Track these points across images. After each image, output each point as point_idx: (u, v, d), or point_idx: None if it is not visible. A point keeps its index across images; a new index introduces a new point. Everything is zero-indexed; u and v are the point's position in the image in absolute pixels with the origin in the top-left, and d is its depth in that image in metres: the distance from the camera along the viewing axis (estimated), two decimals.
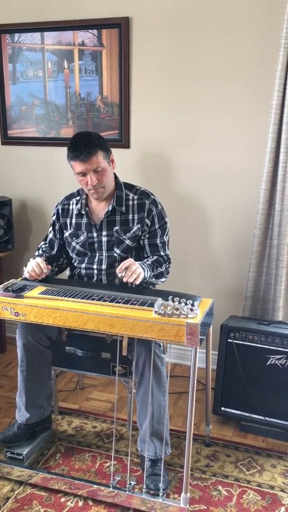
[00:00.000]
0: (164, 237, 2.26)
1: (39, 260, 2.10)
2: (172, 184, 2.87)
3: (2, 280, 3.11)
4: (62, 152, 3.03)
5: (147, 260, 2.18)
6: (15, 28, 2.94)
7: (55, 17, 2.85)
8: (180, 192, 2.87)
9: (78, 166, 2.09)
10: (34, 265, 2.08)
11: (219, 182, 2.78)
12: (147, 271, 2.07)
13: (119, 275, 1.97)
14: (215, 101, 2.67)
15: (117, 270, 1.99)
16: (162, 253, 2.23)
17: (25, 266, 2.19)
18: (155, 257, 2.21)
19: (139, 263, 2.06)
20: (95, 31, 2.79)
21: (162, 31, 2.68)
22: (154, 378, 2.02)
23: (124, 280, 1.96)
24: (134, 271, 1.98)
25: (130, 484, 1.98)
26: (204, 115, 2.71)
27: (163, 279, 2.22)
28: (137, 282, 1.98)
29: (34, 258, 2.14)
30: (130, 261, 2.02)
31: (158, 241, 2.24)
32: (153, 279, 2.15)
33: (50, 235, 2.35)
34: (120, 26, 2.72)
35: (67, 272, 2.48)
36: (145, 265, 2.09)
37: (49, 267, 2.12)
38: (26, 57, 2.98)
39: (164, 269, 2.19)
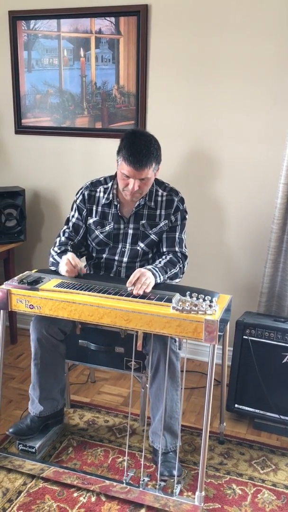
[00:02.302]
0: (182, 234, 2.23)
1: (70, 256, 2.04)
2: (188, 177, 2.82)
3: (14, 270, 3.08)
4: (77, 142, 3.01)
5: (159, 262, 2.12)
6: (31, 15, 2.89)
7: (72, 3, 2.79)
8: (196, 186, 2.82)
9: (127, 170, 2.02)
10: (65, 262, 2.02)
11: (236, 176, 2.73)
12: (159, 276, 2.02)
13: (129, 288, 1.93)
14: (234, 93, 2.61)
15: (128, 284, 1.94)
16: (177, 249, 2.19)
17: (53, 259, 2.15)
18: (169, 257, 2.16)
19: (151, 268, 2.02)
20: (112, 19, 2.73)
21: (182, 20, 2.61)
22: (169, 373, 1.99)
23: (134, 292, 1.90)
24: (143, 282, 1.92)
25: (143, 480, 1.96)
26: (222, 108, 2.65)
27: (177, 280, 2.16)
28: (148, 290, 1.92)
29: (64, 254, 2.09)
30: (140, 272, 1.96)
31: (176, 236, 2.20)
32: (168, 281, 2.10)
33: (74, 220, 2.25)
34: (139, 14, 2.65)
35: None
36: (157, 268, 2.04)
37: (84, 270, 2.06)
38: (42, 45, 2.92)
39: (178, 269, 2.14)
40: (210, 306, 1.77)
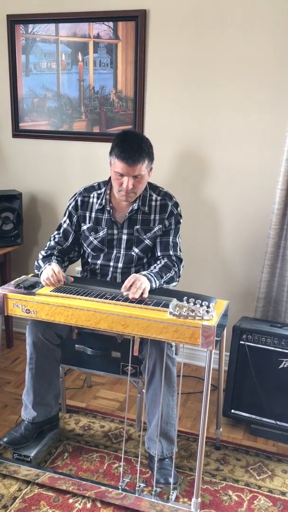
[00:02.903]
0: (177, 238, 2.22)
1: (56, 268, 2.01)
2: (185, 181, 2.82)
3: (10, 274, 3.07)
4: (74, 146, 3.01)
5: (154, 268, 2.12)
6: (30, 19, 2.89)
7: (70, 8, 2.80)
8: (193, 190, 2.82)
9: (120, 167, 2.03)
10: (50, 274, 1.99)
11: (233, 181, 2.73)
12: (155, 281, 2.01)
13: (124, 293, 1.92)
14: (233, 98, 2.62)
15: (122, 289, 1.93)
16: (171, 253, 2.19)
17: (37, 262, 2.15)
18: (163, 261, 2.15)
19: (146, 273, 2.02)
20: (111, 24, 2.74)
21: (180, 25, 2.62)
22: (165, 379, 1.98)
23: (130, 297, 1.89)
24: (139, 287, 1.91)
25: (139, 486, 1.95)
26: (221, 112, 2.66)
27: (174, 284, 2.16)
28: (145, 295, 1.92)
29: (49, 264, 2.05)
30: (134, 277, 1.95)
31: (170, 240, 2.20)
32: (164, 285, 2.10)
33: (65, 225, 2.26)
34: (137, 19, 2.66)
35: (77, 268, 2.44)
36: (152, 273, 2.04)
37: (71, 279, 2.03)
38: (40, 49, 2.93)
39: (173, 273, 2.13)
40: (207, 311, 1.76)
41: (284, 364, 2.29)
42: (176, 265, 2.17)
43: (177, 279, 2.18)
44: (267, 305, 2.70)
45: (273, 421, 2.33)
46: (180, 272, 2.20)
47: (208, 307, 1.78)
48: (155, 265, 2.15)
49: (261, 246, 2.70)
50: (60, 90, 2.94)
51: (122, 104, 2.83)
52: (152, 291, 1.97)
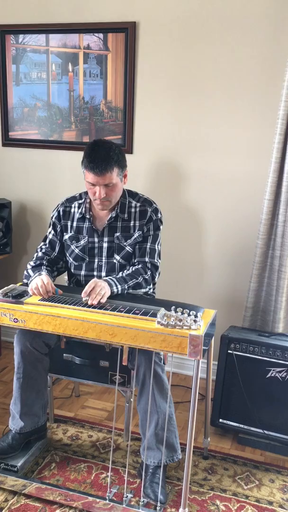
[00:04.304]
0: (155, 245, 2.22)
1: (46, 279, 2.00)
2: (174, 191, 2.84)
3: None
4: (64, 155, 3.02)
5: (123, 273, 2.13)
6: (20, 29, 2.91)
7: (61, 19, 2.82)
8: (181, 199, 2.84)
9: (90, 177, 2.06)
10: (40, 284, 1.98)
11: (221, 191, 2.76)
12: (116, 286, 2.02)
13: (84, 299, 1.93)
14: (221, 108, 2.65)
15: (82, 294, 1.94)
16: (147, 259, 2.19)
17: (26, 272, 2.15)
18: (135, 267, 2.16)
19: (108, 278, 2.04)
20: (101, 35, 2.76)
21: (169, 37, 2.66)
22: (156, 386, 1.98)
23: (89, 302, 1.90)
24: (98, 292, 1.93)
25: (126, 497, 1.94)
26: (209, 122, 2.69)
27: (143, 290, 2.15)
28: (103, 300, 1.93)
29: (40, 274, 2.05)
30: (94, 282, 1.97)
31: (148, 247, 2.20)
32: (130, 291, 2.10)
33: (50, 236, 2.29)
34: (127, 31, 2.69)
35: (66, 277, 2.44)
36: (115, 278, 2.05)
37: (61, 292, 2.02)
38: (30, 59, 2.94)
39: (141, 279, 2.12)
40: (194, 321, 1.77)
41: (272, 373, 2.30)
42: (148, 272, 2.16)
43: (147, 286, 2.17)
44: (255, 315, 2.72)
45: (260, 431, 2.34)
46: (155, 279, 2.21)
47: (195, 316, 1.79)
48: (125, 270, 2.17)
49: (249, 256, 2.72)
50: (50, 100, 2.96)
51: (111, 114, 2.85)
52: (114, 296, 1.99)
